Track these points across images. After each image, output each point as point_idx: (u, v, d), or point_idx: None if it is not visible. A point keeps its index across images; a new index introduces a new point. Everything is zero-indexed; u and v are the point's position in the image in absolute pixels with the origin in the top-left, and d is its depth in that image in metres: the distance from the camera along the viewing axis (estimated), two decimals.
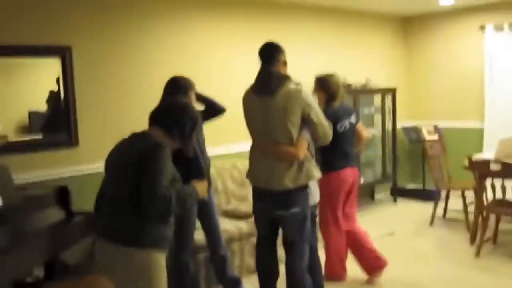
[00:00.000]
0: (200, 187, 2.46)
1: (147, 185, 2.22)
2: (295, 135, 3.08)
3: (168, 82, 3.56)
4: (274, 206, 3.16)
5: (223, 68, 5.15)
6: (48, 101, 4.13)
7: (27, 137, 3.95)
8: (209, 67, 5.02)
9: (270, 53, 3.19)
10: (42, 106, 4.10)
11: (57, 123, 4.12)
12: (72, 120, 4.13)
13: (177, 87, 3.49)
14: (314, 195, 3.42)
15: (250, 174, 3.33)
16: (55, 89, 4.10)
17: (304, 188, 3.15)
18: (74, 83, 4.13)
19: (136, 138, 2.41)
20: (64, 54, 4.06)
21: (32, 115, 4.05)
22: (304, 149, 3.09)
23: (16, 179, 3.25)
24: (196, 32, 4.94)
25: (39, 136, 4.03)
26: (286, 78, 3.14)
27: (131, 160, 2.29)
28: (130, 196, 2.26)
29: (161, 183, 2.21)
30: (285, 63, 3.23)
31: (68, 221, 3.31)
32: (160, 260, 2.34)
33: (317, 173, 3.20)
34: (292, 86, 3.09)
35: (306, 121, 3.12)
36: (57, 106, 4.11)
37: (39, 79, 4.09)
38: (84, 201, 3.80)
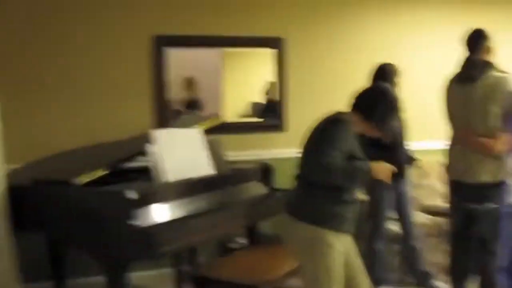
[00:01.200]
0: (379, 168, 2.41)
1: (312, 152, 2.34)
2: (496, 126, 2.88)
3: (374, 69, 3.69)
4: (469, 200, 3.01)
5: (433, 57, 4.96)
6: (267, 91, 4.61)
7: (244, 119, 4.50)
8: (412, 56, 4.88)
9: (473, 40, 3.06)
10: (260, 96, 4.59)
11: (271, 111, 4.56)
12: (283, 107, 4.52)
13: (382, 74, 3.61)
14: None
15: (448, 167, 3.22)
16: (272, 79, 4.55)
17: (502, 184, 2.92)
18: (287, 73, 4.51)
19: (326, 117, 2.50)
20: (279, 45, 4.46)
21: (254, 105, 4.59)
22: (504, 143, 2.87)
23: (230, 156, 3.73)
24: (399, 21, 4.89)
25: (256, 119, 4.54)
26: (489, 65, 2.97)
27: (313, 135, 2.44)
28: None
29: (327, 153, 2.26)
30: (490, 50, 3.05)
31: (270, 195, 3.66)
32: (329, 237, 2.38)
33: None
34: (496, 74, 2.92)
35: (511, 114, 2.90)
36: (273, 95, 4.56)
37: (257, 71, 4.58)
38: (286, 181, 4.17)
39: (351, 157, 2.36)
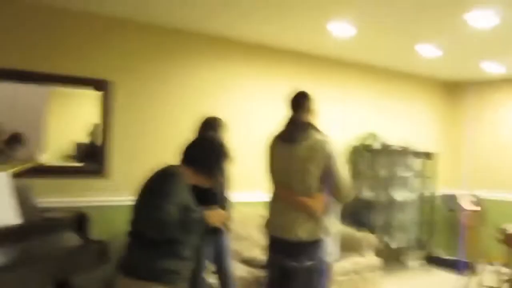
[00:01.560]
0: (214, 215, 2.41)
1: (146, 207, 2.24)
2: (314, 186, 3.04)
3: (201, 121, 3.71)
4: (286, 256, 3.08)
5: (257, 112, 5.21)
6: (91, 133, 4.34)
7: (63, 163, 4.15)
8: (240, 110, 5.09)
9: (297, 101, 3.18)
10: (84, 137, 4.32)
11: (93, 154, 4.29)
12: (105, 152, 4.29)
13: (209, 125, 3.64)
14: (333, 253, 3.33)
15: (267, 222, 3.29)
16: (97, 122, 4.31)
17: (319, 241, 3.06)
18: (112, 117, 4.31)
19: (157, 171, 2.42)
20: (105, 87, 4.26)
21: (78, 146, 4.29)
22: (322, 202, 3.03)
23: (45, 203, 3.38)
24: (229, 73, 5.07)
25: (75, 164, 4.21)
26: (310, 126, 3.11)
27: (145, 189, 2.33)
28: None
29: (161, 207, 2.19)
30: (314, 112, 3.20)
31: (84, 247, 3.37)
32: None
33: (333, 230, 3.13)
34: (318, 136, 3.06)
35: (328, 175, 3.04)
36: (96, 138, 4.32)
37: (82, 112, 4.32)
38: (105, 231, 3.90)
39: (186, 209, 2.29)
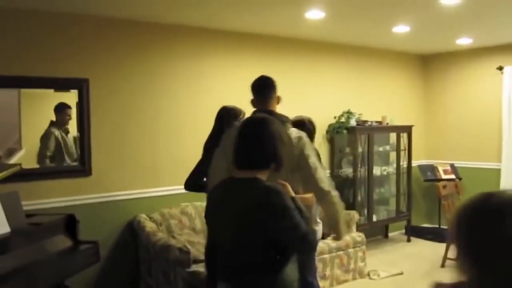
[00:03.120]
0: None
1: (287, 229, 2.07)
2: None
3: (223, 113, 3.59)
4: None
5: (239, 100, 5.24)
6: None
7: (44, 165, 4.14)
8: (221, 99, 5.11)
9: (262, 89, 2.85)
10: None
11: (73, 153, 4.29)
12: (85, 151, 4.28)
13: (233, 115, 3.51)
14: (317, 231, 3.45)
15: None
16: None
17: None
18: (90, 114, 4.30)
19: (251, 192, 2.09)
20: (81, 86, 4.24)
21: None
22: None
23: (27, 205, 3.39)
24: (208, 66, 5.06)
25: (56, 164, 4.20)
26: (285, 122, 2.75)
27: (253, 211, 2.08)
28: None
29: (301, 223, 2.04)
30: (278, 99, 2.88)
31: (75, 249, 3.41)
32: None
33: None
34: (293, 133, 2.72)
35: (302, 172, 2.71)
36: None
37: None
38: (93, 230, 3.95)
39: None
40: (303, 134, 2.76)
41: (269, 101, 2.84)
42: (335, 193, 2.69)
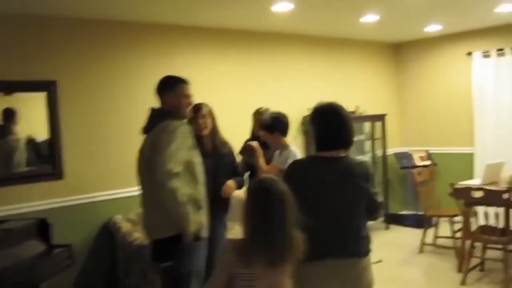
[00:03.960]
0: None
1: (368, 196, 2.48)
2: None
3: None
4: None
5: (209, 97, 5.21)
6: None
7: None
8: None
9: (160, 87, 3.11)
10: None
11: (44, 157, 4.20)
12: (56, 154, 4.21)
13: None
14: None
15: None
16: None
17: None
18: (59, 117, 4.23)
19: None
20: (49, 88, 4.16)
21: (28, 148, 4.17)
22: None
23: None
24: (175, 66, 4.94)
25: (28, 169, 4.12)
26: (172, 114, 2.98)
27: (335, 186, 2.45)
28: None
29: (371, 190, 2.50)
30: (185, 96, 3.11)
31: (48, 253, 3.36)
32: None
33: None
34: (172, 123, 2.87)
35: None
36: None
37: (31, 112, 4.18)
38: (67, 234, 3.90)
39: None
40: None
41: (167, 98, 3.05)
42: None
